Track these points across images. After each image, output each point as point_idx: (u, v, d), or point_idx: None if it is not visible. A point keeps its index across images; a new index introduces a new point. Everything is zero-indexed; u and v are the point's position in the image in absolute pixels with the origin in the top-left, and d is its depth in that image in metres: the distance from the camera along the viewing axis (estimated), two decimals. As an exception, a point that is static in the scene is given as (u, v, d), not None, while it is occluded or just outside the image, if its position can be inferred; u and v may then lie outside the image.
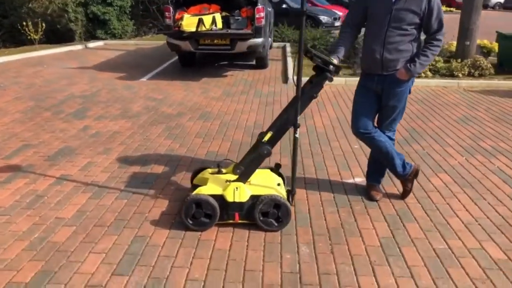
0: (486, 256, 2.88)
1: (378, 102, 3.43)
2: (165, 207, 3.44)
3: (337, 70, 3.06)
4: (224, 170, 3.44)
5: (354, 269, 2.73)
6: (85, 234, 3.08)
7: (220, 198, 3.10)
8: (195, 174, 3.59)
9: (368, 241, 3.03)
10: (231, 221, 3.15)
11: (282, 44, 12.45)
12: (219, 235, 3.09)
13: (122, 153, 4.55)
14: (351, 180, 3.97)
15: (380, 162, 3.66)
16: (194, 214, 3.10)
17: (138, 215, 3.34)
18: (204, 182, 3.33)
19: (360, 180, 3.98)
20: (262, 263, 2.78)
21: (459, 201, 3.61)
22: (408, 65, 3.23)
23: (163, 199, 3.59)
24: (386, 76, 3.31)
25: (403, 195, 3.63)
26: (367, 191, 3.68)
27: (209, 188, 3.17)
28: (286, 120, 3.11)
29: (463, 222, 3.28)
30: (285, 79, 8.21)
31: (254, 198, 3.12)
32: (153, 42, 13.41)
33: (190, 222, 3.11)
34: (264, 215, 3.11)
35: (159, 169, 4.18)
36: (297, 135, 3.09)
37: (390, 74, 3.30)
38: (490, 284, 2.60)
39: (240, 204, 3.11)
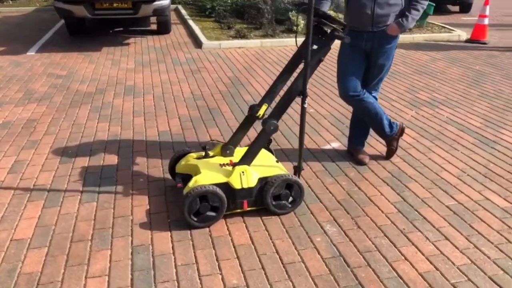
0: (494, 206, 2.97)
1: (366, 61, 3.26)
2: (148, 205, 2.90)
3: (344, 29, 2.77)
4: (211, 153, 3.01)
5: (391, 241, 2.59)
6: (66, 256, 2.44)
7: (225, 187, 2.69)
8: (175, 161, 3.08)
9: (384, 208, 2.91)
10: (238, 211, 2.78)
11: (173, 6, 11.60)
12: (230, 228, 2.69)
13: (55, 146, 3.74)
14: (328, 146, 3.80)
15: (363, 124, 3.54)
16: (198, 210, 2.66)
17: (121, 219, 2.76)
18: (193, 169, 2.86)
19: (337, 145, 3.84)
20: (297, 252, 2.48)
21: (438, 154, 3.69)
22: (400, 19, 3.09)
23: (139, 195, 3.02)
24: (375, 33, 3.14)
25: (389, 155, 3.58)
26: (354, 156, 3.56)
27: (208, 176, 2.72)
28: (293, 89, 2.76)
29: (454, 176, 3.35)
30: (198, 44, 7.64)
31: (262, 181, 2.76)
32: (19, 8, 11.45)
33: (195, 219, 2.66)
34: (276, 198, 2.79)
35: (113, 159, 3.52)
36: (305, 105, 2.77)
37: (379, 31, 3.13)
38: (512, 232, 2.70)
39: (249, 190, 2.73)
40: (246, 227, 2.70)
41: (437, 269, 2.37)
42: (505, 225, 2.75)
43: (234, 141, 3.02)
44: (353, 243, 2.57)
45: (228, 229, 2.68)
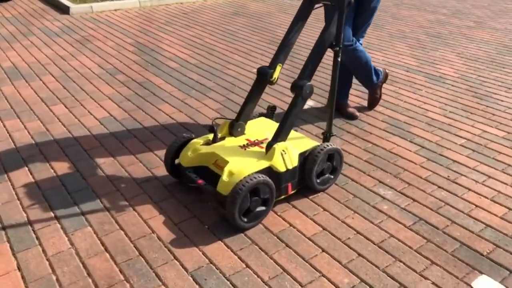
0: (496, 136, 3.04)
1: (355, 8, 2.95)
2: (163, 214, 2.21)
3: None
4: (219, 134, 2.42)
5: (451, 192, 2.43)
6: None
7: (268, 172, 2.16)
8: (176, 153, 2.38)
9: (413, 159, 2.74)
10: (283, 197, 2.30)
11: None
12: (285, 218, 2.20)
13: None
14: (306, 106, 3.46)
15: (348, 76, 3.29)
16: (249, 207, 2.11)
17: (143, 240, 2.02)
18: (209, 159, 2.26)
19: (313, 103, 3.54)
20: (378, 227, 2.15)
21: (409, 97, 3.66)
22: None
23: (141, 204, 2.27)
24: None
25: (373, 104, 3.41)
26: (343, 110, 3.29)
27: (243, 164, 2.15)
28: (323, 40, 2.29)
29: (441, 115, 3.37)
30: (62, 10, 6.28)
31: (301, 157, 2.31)
32: None
33: (245, 219, 2.09)
34: (320, 174, 2.38)
35: (65, 164, 2.60)
36: (339, 59, 2.35)
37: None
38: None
39: (293, 170, 2.25)
40: (301, 212, 2.26)
41: (510, 208, 2.34)
42: (520, 151, 2.87)
43: (244, 115, 2.46)
44: (419, 202, 2.34)
45: (284, 219, 2.21)
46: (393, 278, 1.86)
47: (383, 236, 2.10)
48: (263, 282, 1.83)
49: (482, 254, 1.99)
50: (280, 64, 2.41)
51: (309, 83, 2.26)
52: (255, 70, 4.19)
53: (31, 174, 2.53)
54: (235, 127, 2.43)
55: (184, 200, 2.32)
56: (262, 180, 2.07)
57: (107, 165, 2.63)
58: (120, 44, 4.92)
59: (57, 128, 3.06)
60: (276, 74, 2.39)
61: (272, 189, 2.14)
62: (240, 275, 1.86)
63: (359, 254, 1.99)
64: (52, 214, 2.20)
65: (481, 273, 1.89)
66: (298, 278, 1.85)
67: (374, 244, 2.05)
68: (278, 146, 2.21)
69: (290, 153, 2.24)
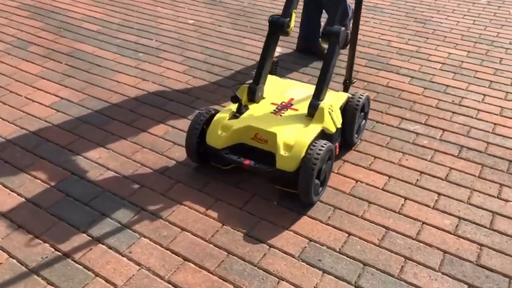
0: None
1: None
2: (217, 201, 1.87)
3: None
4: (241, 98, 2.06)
5: (467, 115, 2.52)
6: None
7: (321, 136, 1.92)
8: (200, 135, 1.97)
9: (414, 90, 2.75)
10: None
11: None
12: (340, 179, 2.02)
13: None
14: (276, 53, 3.19)
15: (318, 15, 3.10)
16: (324, 179, 1.89)
17: (222, 236, 1.70)
18: (246, 134, 1.91)
19: (280, 49, 3.29)
20: (434, 164, 2.12)
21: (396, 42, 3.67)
22: None
23: (184, 195, 1.89)
24: None
25: (347, 42, 3.28)
26: (317, 50, 3.13)
27: (295, 132, 1.86)
28: None
29: (440, 62, 3.46)
30: None
31: (341, 111, 2.12)
32: None
33: (319, 192, 1.89)
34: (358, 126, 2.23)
35: (48, 173, 2.02)
36: (362, -1, 2.14)
37: None
38: None
39: (340, 130, 2.05)
40: (356, 165, 2.11)
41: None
42: None
43: (263, 76, 2.12)
44: (449, 131, 2.37)
45: (346, 176, 2.03)
46: (482, 208, 1.89)
47: (445, 171, 2.10)
48: (377, 245, 1.70)
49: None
50: (294, 10, 2.13)
51: (343, 28, 2.00)
52: (191, 21, 3.76)
53: (15, 193, 1.92)
54: (256, 92, 2.09)
55: (230, 181, 2.00)
56: (330, 147, 1.84)
57: (107, 159, 2.12)
58: (6, 10, 3.95)
59: (2, 128, 2.36)
60: (292, 23, 2.09)
61: (333, 153, 1.94)
62: (349, 245, 1.69)
63: (439, 193, 1.96)
64: (84, 235, 1.71)
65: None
66: (405, 232, 1.76)
67: (443, 180, 2.04)
68: (325, 105, 1.96)
69: (335, 110, 2.03)
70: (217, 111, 2.03)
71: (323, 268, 1.60)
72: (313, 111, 1.95)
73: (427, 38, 3.54)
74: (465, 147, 2.27)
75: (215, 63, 3.09)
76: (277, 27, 2.06)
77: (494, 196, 1.95)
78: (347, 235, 1.75)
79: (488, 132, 2.39)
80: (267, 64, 2.11)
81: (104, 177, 2.01)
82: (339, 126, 2.04)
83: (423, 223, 1.81)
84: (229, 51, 3.27)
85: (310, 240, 1.71)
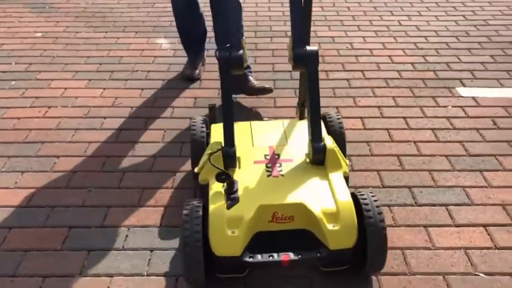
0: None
1: None
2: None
3: None
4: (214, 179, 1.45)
5: (374, 54, 2.93)
6: None
7: None
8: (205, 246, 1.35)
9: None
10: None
11: None
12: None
13: None
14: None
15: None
16: None
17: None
18: (256, 222, 1.36)
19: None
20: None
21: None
22: None
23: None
24: None
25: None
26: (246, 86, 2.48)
27: (322, 194, 1.44)
28: None
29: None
30: None
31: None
32: None
33: None
34: None
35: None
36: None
37: None
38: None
39: None
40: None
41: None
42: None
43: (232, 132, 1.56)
44: (372, 70, 2.75)
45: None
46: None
47: (392, 100, 2.48)
48: (403, 171, 1.95)
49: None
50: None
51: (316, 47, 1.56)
52: (39, 34, 3.24)
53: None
54: (232, 156, 1.52)
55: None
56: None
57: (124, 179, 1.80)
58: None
59: None
60: (246, 53, 1.58)
61: None
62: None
63: (404, 117, 2.32)
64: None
65: None
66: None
67: (397, 107, 2.40)
68: (332, 145, 1.55)
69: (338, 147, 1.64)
70: (199, 201, 1.41)
71: None
72: (321, 156, 1.53)
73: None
74: (388, 78, 2.69)
75: (114, 69, 2.80)
76: (232, 63, 1.51)
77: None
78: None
79: (389, 63, 2.87)
80: (232, 114, 1.56)
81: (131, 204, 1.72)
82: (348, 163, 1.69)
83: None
84: (116, 55, 2.97)
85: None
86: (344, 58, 2.90)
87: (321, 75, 2.64)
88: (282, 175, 1.50)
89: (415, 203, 1.76)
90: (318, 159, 1.52)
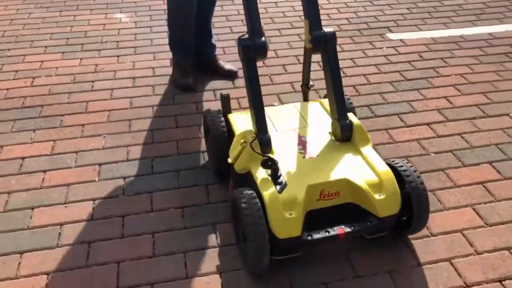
0: None
1: None
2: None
3: None
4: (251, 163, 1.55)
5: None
6: None
7: None
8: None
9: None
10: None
11: None
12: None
13: None
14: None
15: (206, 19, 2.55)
16: None
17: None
18: (308, 202, 1.42)
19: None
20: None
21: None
22: None
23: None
24: None
25: None
26: (218, 68, 2.58)
27: (360, 168, 1.52)
28: None
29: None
30: None
31: None
32: None
33: None
34: None
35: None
36: None
37: None
38: None
39: None
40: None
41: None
42: None
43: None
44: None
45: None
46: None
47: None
48: (359, 96, 2.40)
49: None
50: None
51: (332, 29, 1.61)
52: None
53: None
54: (268, 142, 1.54)
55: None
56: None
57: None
58: None
59: None
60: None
61: None
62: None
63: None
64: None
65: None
66: None
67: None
68: (357, 121, 1.62)
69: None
70: (250, 190, 1.43)
71: None
72: (349, 133, 1.59)
73: None
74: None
75: (83, 42, 2.96)
76: (256, 51, 1.52)
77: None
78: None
79: (329, 19, 3.33)
80: (262, 101, 1.56)
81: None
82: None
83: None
84: (80, 29, 3.12)
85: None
86: (290, 18, 3.30)
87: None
88: (318, 156, 1.57)
89: (374, 115, 2.25)
90: (346, 135, 1.59)
